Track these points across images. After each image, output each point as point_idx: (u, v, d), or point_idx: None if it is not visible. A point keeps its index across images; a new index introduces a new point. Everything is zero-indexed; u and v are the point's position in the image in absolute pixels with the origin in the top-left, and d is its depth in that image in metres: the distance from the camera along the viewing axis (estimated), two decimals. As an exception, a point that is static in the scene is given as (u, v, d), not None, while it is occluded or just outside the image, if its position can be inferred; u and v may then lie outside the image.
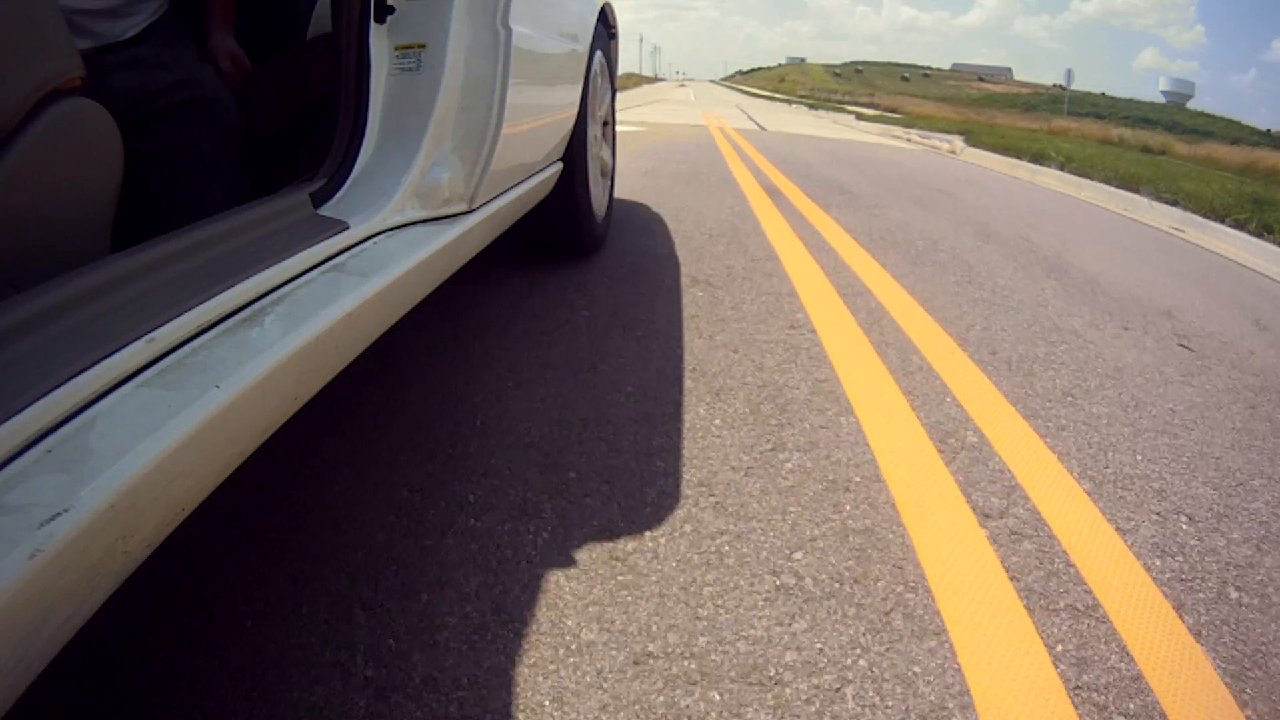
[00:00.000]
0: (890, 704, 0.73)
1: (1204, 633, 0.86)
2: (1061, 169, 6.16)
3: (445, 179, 1.03)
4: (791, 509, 1.03)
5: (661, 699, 0.72)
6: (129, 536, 0.46)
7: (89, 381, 0.49)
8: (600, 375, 1.40)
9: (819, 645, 0.79)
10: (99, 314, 0.55)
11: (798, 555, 0.94)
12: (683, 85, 57.43)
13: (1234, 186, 5.75)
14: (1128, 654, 0.82)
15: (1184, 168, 8.46)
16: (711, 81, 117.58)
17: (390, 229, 0.94)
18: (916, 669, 0.77)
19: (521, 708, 0.71)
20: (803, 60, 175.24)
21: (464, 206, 1.09)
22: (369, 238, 0.89)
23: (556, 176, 1.69)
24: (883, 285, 2.10)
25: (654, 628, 0.81)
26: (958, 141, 8.41)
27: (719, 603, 0.85)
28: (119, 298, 0.58)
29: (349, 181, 0.94)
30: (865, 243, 2.60)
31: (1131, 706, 0.75)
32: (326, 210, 0.89)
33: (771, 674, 0.75)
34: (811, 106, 19.56)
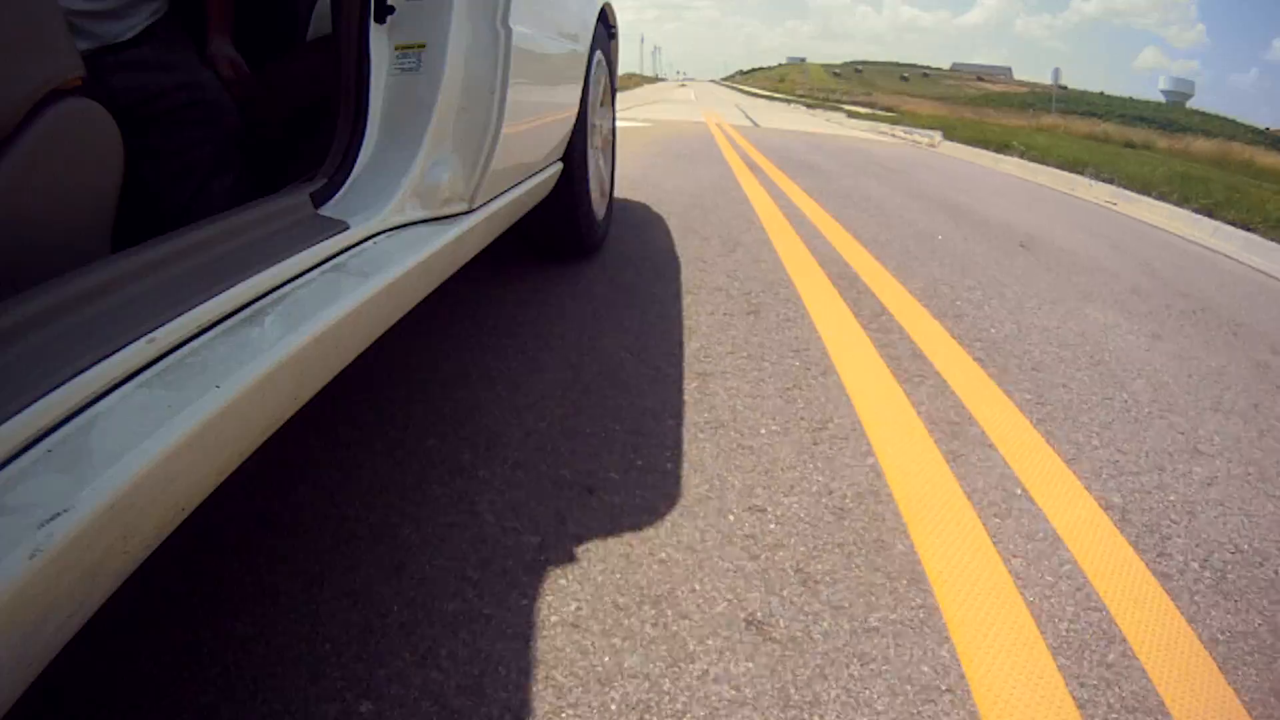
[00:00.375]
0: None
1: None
2: (1021, 156, 6.80)
3: (445, 179, 1.03)
4: (738, 270, 2.11)
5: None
6: (129, 536, 0.46)
7: (89, 381, 0.49)
8: (638, 237, 2.44)
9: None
10: (99, 314, 0.55)
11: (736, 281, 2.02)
12: (683, 85, 57.42)
13: (1174, 169, 6.41)
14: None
15: (1140, 156, 9.07)
16: (712, 81, 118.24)
17: (390, 229, 0.94)
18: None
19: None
20: (803, 60, 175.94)
21: (464, 206, 1.09)
22: (369, 238, 0.89)
23: (556, 176, 1.69)
24: (816, 213, 3.09)
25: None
26: (936, 136, 8.90)
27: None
28: (119, 298, 0.58)
29: (349, 181, 0.94)
30: (814, 195, 3.53)
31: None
32: (327, 210, 0.89)
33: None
34: (809, 106, 20.14)
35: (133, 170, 0.76)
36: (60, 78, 0.63)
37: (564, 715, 0.69)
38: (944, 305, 1.95)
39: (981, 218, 3.35)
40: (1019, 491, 1.10)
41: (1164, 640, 0.84)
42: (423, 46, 1.02)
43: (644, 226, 2.60)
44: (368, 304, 0.76)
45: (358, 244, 0.87)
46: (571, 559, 0.90)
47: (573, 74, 1.69)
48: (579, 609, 0.82)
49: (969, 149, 7.79)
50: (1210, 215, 4.14)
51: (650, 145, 5.22)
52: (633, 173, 3.62)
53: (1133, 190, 4.98)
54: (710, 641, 0.79)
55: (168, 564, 0.80)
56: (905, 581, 0.90)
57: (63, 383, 0.47)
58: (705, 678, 0.74)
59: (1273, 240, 3.64)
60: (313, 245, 0.78)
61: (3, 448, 0.42)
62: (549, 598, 0.83)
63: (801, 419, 1.27)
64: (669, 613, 0.82)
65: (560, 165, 1.70)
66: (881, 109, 19.45)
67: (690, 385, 1.36)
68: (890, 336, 1.68)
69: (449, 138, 1.05)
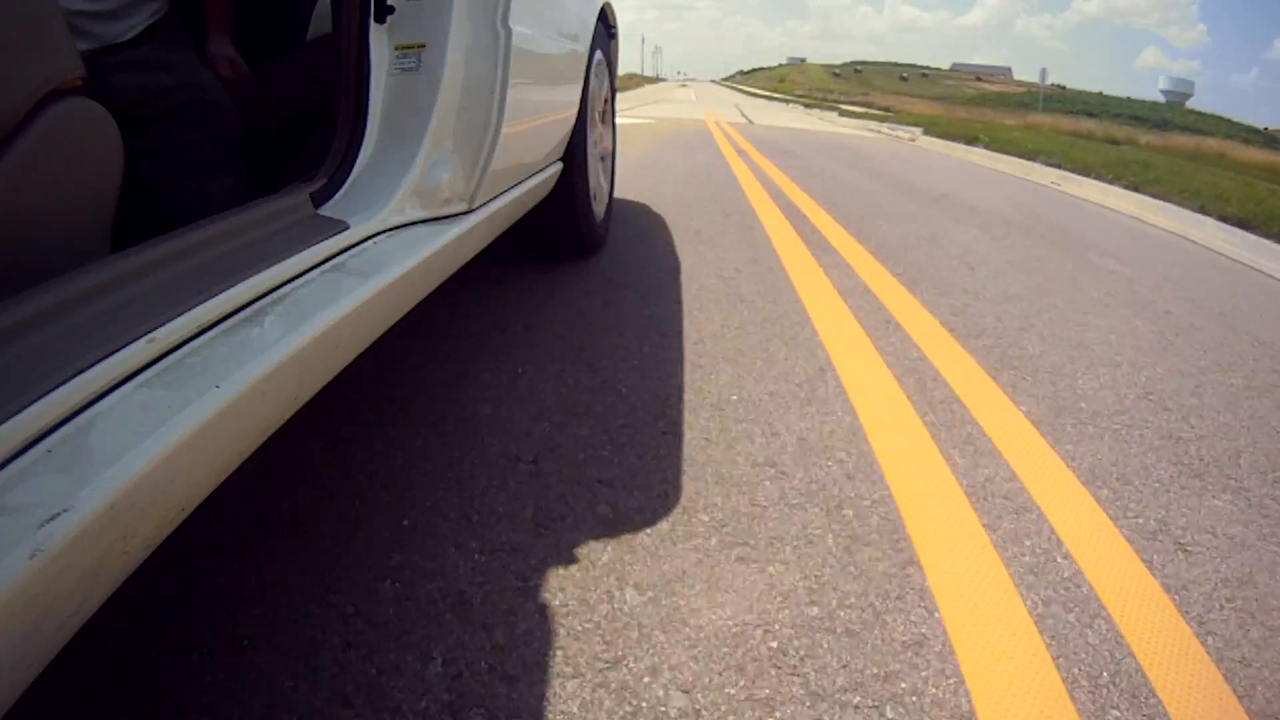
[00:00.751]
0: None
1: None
2: (986, 147, 7.64)
3: (445, 179, 1.03)
4: (722, 203, 3.13)
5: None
6: (129, 536, 0.46)
7: (89, 381, 0.49)
8: (656, 189, 3.41)
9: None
10: (99, 314, 0.55)
11: (719, 206, 3.12)
12: (684, 85, 57.31)
13: (1122, 157, 7.54)
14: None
15: (1099, 147, 9.93)
16: (712, 81, 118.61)
17: (390, 229, 0.94)
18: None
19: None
20: (803, 60, 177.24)
21: (464, 206, 1.09)
22: (369, 238, 0.89)
23: (556, 176, 1.69)
24: (783, 181, 4.02)
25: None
26: (917, 132, 9.61)
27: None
28: (119, 298, 0.58)
29: (349, 181, 0.94)
30: (787, 172, 4.42)
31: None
32: (327, 210, 0.89)
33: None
34: (807, 106, 20.64)
35: (133, 170, 0.76)
36: (60, 78, 0.63)
37: None
38: (856, 226, 2.87)
39: (918, 187, 4.26)
40: (864, 285, 2.07)
41: (924, 330, 1.73)
42: (423, 46, 1.02)
43: (660, 182, 3.71)
44: (368, 304, 0.76)
45: (358, 244, 0.87)
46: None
47: (573, 74, 1.69)
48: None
49: (944, 142, 8.47)
50: (1136, 190, 4.98)
51: (656, 138, 6.17)
52: (645, 157, 4.71)
53: (1076, 173, 5.76)
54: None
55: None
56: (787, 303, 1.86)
57: (63, 383, 0.47)
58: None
59: (1151, 196, 4.73)
60: (313, 245, 0.78)
61: (3, 448, 0.42)
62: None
63: (747, 248, 2.42)
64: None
65: (560, 165, 1.70)
66: (877, 108, 20.02)
67: (692, 240, 2.49)
68: (812, 237, 2.64)
69: (449, 138, 1.05)
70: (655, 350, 1.50)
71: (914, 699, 0.72)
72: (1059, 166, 6.11)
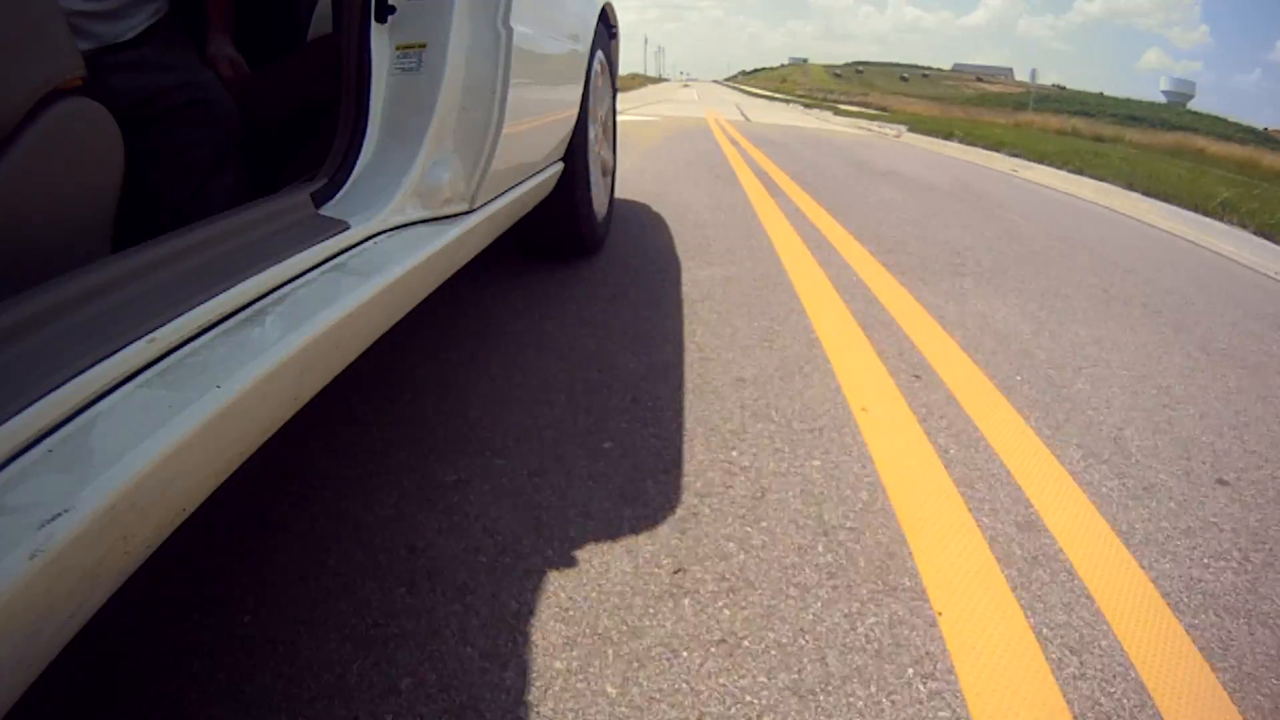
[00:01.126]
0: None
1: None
2: (960, 141, 8.46)
3: (446, 179, 1.03)
4: (715, 176, 4.05)
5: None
6: (129, 537, 0.46)
7: (89, 381, 0.49)
8: (669, 166, 4.35)
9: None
10: (99, 314, 0.55)
11: (715, 174, 4.15)
12: (686, 86, 57.70)
13: (1078, 147, 8.73)
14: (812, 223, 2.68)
15: (1066, 140, 11.27)
16: (715, 82, 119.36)
17: (391, 229, 0.94)
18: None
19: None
20: (805, 61, 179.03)
21: (465, 206, 1.09)
22: (370, 238, 0.89)
23: (557, 177, 1.69)
24: (766, 163, 4.78)
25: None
26: (902, 129, 10.29)
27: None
28: (119, 298, 0.58)
29: (350, 181, 0.94)
30: (770, 157, 5.20)
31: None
32: (327, 210, 0.89)
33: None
34: (806, 105, 21.08)
35: (133, 170, 0.76)
36: (60, 78, 0.63)
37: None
38: (811, 188, 3.83)
39: (875, 167, 5.11)
40: (804, 215, 3.01)
41: (839, 236, 2.67)
42: (424, 46, 1.02)
43: (669, 161, 4.62)
44: (368, 304, 0.76)
45: (358, 244, 0.86)
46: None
47: (573, 74, 1.69)
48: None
49: (924, 138, 9.29)
50: (1079, 174, 5.74)
51: (663, 132, 7.05)
52: (653, 145, 5.58)
53: (1034, 161, 6.71)
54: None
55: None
56: (750, 218, 2.89)
57: (63, 383, 0.47)
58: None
59: (1090, 178, 5.58)
60: (313, 245, 0.78)
61: (3, 448, 0.42)
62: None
63: (729, 191, 3.50)
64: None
65: (561, 165, 1.70)
66: (874, 108, 20.77)
67: (691, 188, 3.53)
68: (776, 192, 3.59)
69: (450, 137, 1.05)
70: (672, 229, 2.65)
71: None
72: (1020, 156, 6.96)
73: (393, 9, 0.99)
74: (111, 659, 0.74)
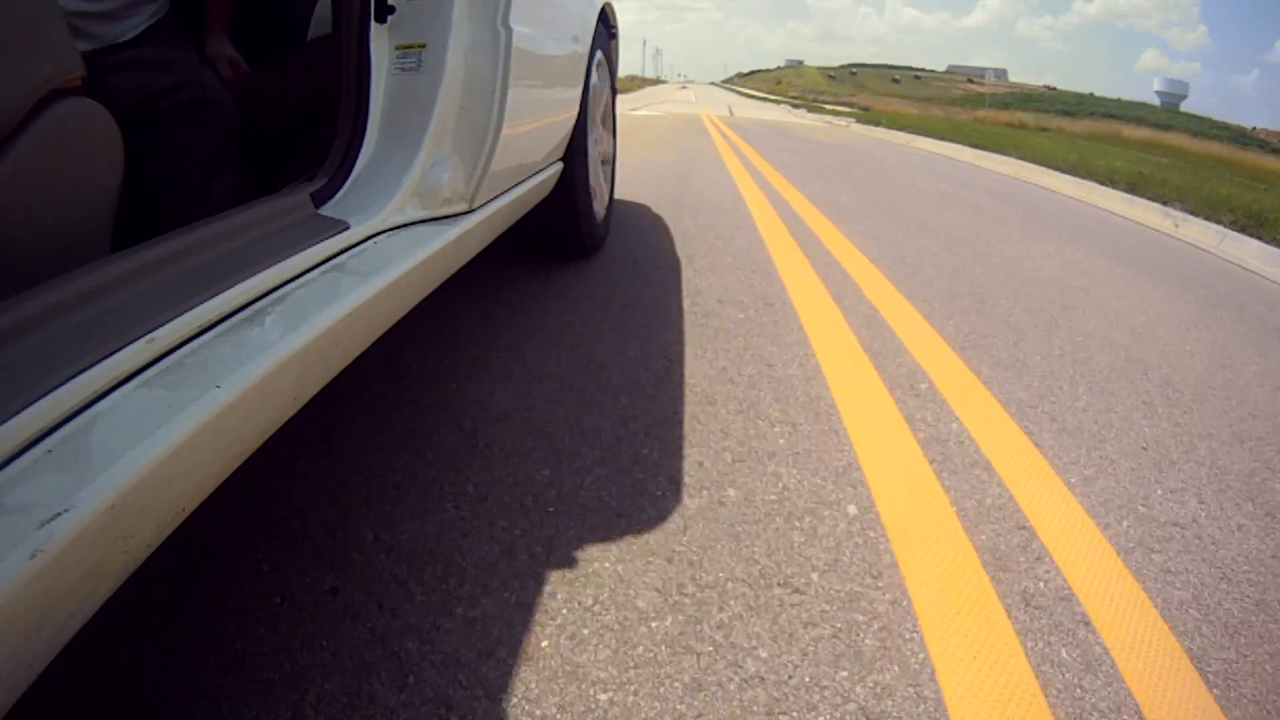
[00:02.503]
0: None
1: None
2: (885, 127, 10.77)
3: (446, 179, 1.03)
4: (699, 142, 6.51)
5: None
6: (129, 536, 0.46)
7: (89, 381, 0.49)
8: (673, 140, 6.60)
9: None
10: (99, 314, 0.55)
11: (701, 139, 6.98)
12: (684, 88, 58.93)
13: (999, 133, 10.72)
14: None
15: (991, 129, 13.18)
16: (712, 84, 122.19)
17: (391, 229, 0.94)
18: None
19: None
20: (800, 63, 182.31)
21: (464, 206, 1.09)
22: (369, 237, 0.89)
23: (556, 177, 1.69)
24: (734, 138, 7.20)
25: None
26: (851, 121, 13.08)
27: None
28: (119, 298, 0.58)
29: (349, 181, 0.94)
30: (741, 136, 7.40)
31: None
32: (327, 210, 0.89)
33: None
34: (794, 106, 23.48)
35: (133, 170, 0.76)
36: (60, 78, 0.63)
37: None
38: (754, 145, 6.39)
39: (798, 138, 7.98)
40: (745, 155, 5.53)
41: (762, 165, 5.00)
42: (423, 46, 1.02)
43: (676, 130, 7.57)
44: (368, 304, 0.76)
45: (358, 244, 0.86)
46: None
47: (573, 74, 1.69)
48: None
49: (864, 127, 11.84)
50: (972, 147, 7.63)
51: (667, 123, 9.22)
52: (662, 135, 7.09)
53: (927, 137, 8.80)
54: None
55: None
56: (715, 158, 5.25)
57: (63, 383, 0.47)
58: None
59: (952, 142, 8.19)
60: (313, 245, 0.78)
61: (3, 448, 0.42)
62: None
63: (705, 142, 6.49)
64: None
65: (561, 165, 1.70)
66: (856, 107, 23.63)
67: (682, 143, 6.26)
68: (734, 148, 6.00)
69: (449, 137, 1.05)
70: (678, 148, 5.68)
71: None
72: (925, 136, 9.14)
73: (392, 9, 0.99)
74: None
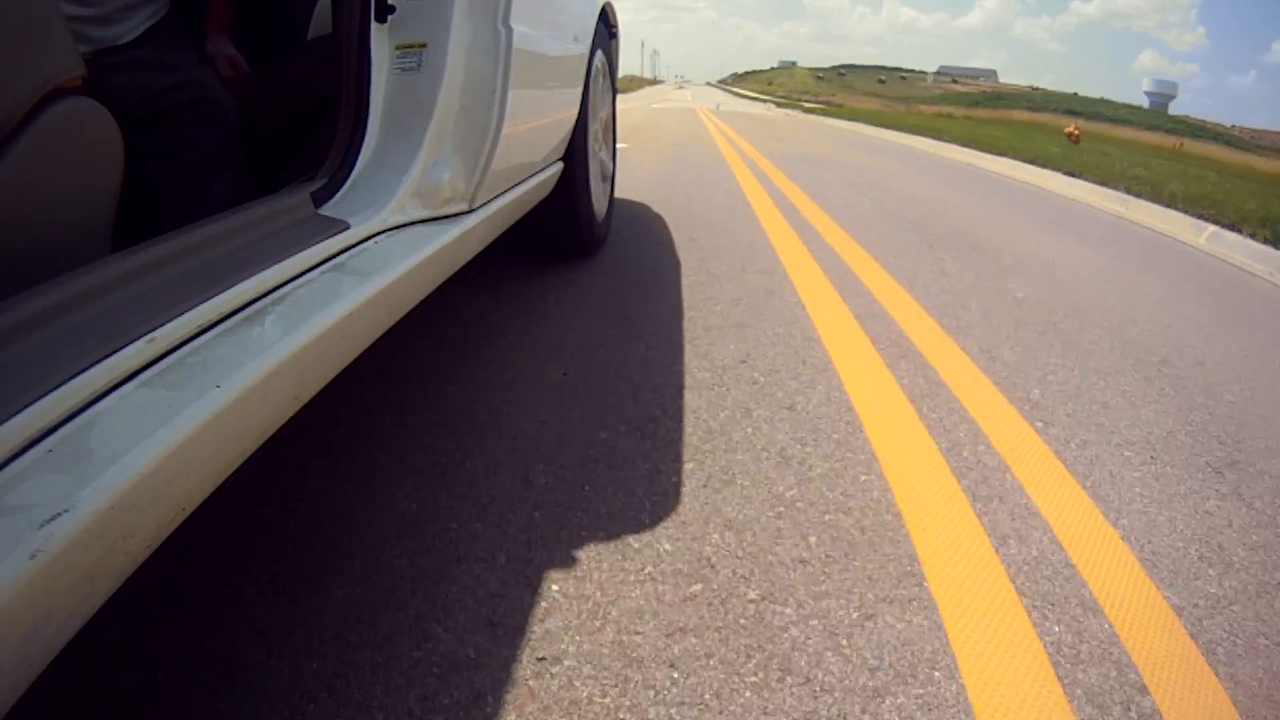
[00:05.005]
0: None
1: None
2: (825, 116, 13.34)
3: (446, 179, 1.03)
4: (691, 120, 11.02)
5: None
6: (129, 536, 0.46)
7: (89, 381, 0.49)
8: (675, 122, 10.37)
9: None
10: (99, 314, 0.55)
11: (692, 117, 11.79)
12: (680, 88, 62.68)
13: (925, 121, 13.46)
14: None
15: (924, 117, 16.91)
16: (708, 84, 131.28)
17: (391, 229, 0.94)
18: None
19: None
20: (794, 64, 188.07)
21: (464, 206, 1.09)
22: (370, 237, 0.89)
23: (557, 177, 1.69)
24: (713, 118, 11.91)
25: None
26: (799, 113, 16.57)
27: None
28: (119, 298, 0.58)
29: (350, 181, 0.94)
30: (723, 120, 11.38)
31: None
32: (327, 210, 0.89)
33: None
34: (777, 104, 27.42)
35: (133, 170, 0.76)
36: (60, 77, 0.63)
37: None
38: (726, 120, 11.46)
39: (756, 121, 12.24)
40: (716, 123, 10.61)
41: (729, 131, 8.78)
42: (424, 46, 1.02)
43: (673, 116, 11.78)
44: (368, 304, 0.76)
45: (358, 244, 0.86)
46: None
47: (574, 74, 1.69)
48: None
49: (813, 116, 15.91)
50: (890, 129, 10.13)
51: (669, 113, 12.57)
52: (668, 122, 9.75)
53: (865, 124, 12.03)
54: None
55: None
56: (700, 127, 9.39)
57: (63, 383, 0.47)
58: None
59: (906, 133, 10.21)
60: (313, 245, 0.78)
61: (3, 448, 0.42)
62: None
63: (694, 119, 11.28)
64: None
65: (561, 165, 1.70)
66: (833, 105, 28.25)
67: (680, 118, 11.44)
68: (712, 124, 9.94)
69: (450, 137, 1.05)
70: (674, 121, 10.32)
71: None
72: (854, 121, 12.65)
73: (392, 9, 0.99)
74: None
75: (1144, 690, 0.74)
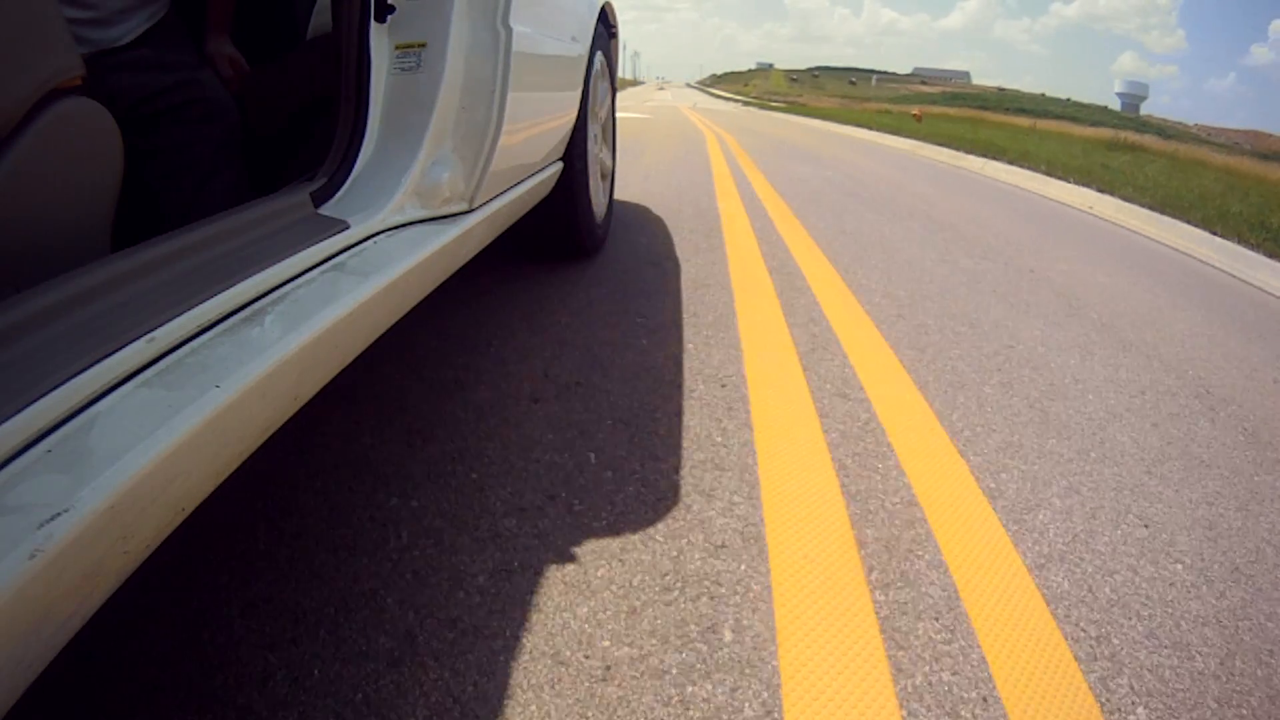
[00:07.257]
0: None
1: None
2: (777, 110, 17.55)
3: (445, 178, 1.03)
4: (674, 111, 15.68)
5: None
6: (129, 536, 0.46)
7: (89, 381, 0.49)
8: (671, 113, 14.44)
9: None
10: (99, 314, 0.55)
11: (673, 112, 15.39)
12: (661, 88, 69.11)
13: (869, 116, 15.76)
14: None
15: (865, 112, 19.05)
16: (687, 85, 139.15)
17: (391, 228, 0.94)
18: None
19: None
20: (770, 66, 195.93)
21: (464, 206, 1.09)
22: (369, 237, 0.89)
23: (556, 176, 1.69)
24: (688, 110, 16.47)
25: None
26: (755, 109, 19.22)
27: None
28: (119, 298, 0.58)
29: (349, 181, 0.94)
30: (701, 115, 14.50)
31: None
32: (327, 210, 0.89)
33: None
34: (744, 104, 31.28)
35: (132, 170, 0.76)
36: (60, 77, 0.63)
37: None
38: (701, 111, 16.46)
39: (717, 114, 15.41)
40: (682, 110, 16.10)
41: (699, 120, 12.72)
42: (423, 46, 1.02)
43: (663, 109, 16.19)
44: (368, 304, 0.76)
45: (358, 244, 0.86)
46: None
47: (573, 74, 1.69)
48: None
49: (764, 111, 18.44)
50: (826, 119, 14.93)
51: (660, 107, 16.75)
52: (660, 116, 12.28)
53: (807, 117, 15.86)
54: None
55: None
56: (680, 113, 14.43)
57: (63, 383, 0.47)
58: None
59: (827, 120, 14.87)
60: (313, 245, 0.78)
61: (2, 448, 0.42)
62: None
63: (675, 113, 14.50)
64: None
65: (560, 165, 1.70)
66: (799, 104, 30.45)
67: (671, 108, 17.45)
68: (689, 115, 13.60)
69: (449, 137, 1.05)
70: (664, 111, 15.11)
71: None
72: (789, 113, 16.27)
73: (392, 8, 0.99)
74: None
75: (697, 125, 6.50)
